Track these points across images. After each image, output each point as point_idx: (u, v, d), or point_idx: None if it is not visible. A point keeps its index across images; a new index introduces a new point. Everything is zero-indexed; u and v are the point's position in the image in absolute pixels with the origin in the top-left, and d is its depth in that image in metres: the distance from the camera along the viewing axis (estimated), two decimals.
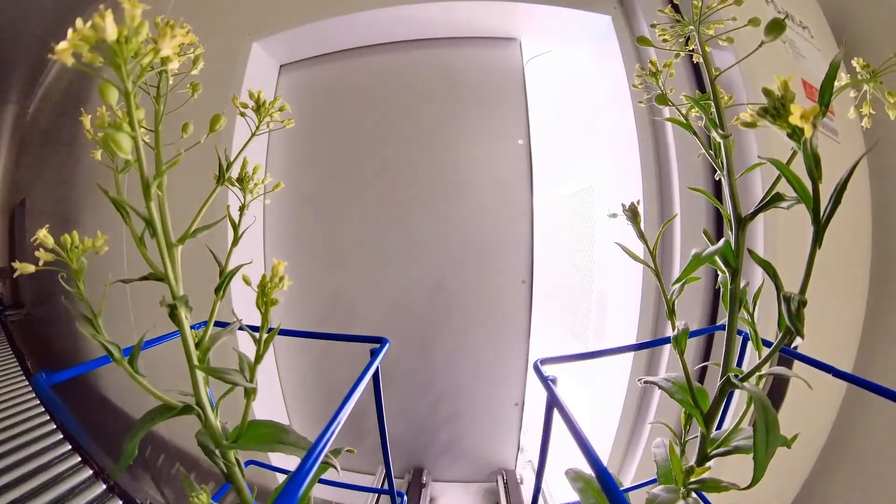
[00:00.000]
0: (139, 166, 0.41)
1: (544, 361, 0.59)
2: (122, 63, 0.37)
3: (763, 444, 0.32)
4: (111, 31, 0.35)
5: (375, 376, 0.59)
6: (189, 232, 0.50)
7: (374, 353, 0.60)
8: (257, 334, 0.48)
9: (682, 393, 0.42)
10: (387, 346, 0.62)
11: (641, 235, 0.50)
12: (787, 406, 0.84)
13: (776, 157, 0.36)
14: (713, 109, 0.40)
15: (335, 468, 0.50)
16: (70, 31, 0.33)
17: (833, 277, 0.80)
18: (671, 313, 0.46)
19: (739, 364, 0.52)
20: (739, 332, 0.50)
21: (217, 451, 0.45)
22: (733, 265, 0.40)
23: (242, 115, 0.51)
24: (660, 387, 0.44)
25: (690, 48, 0.41)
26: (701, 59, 0.40)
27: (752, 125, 0.35)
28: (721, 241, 0.40)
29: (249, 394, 0.51)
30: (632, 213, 0.52)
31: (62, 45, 0.33)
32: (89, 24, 0.34)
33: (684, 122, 0.44)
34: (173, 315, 0.46)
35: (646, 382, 0.46)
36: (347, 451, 0.51)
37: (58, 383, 0.40)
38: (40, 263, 0.32)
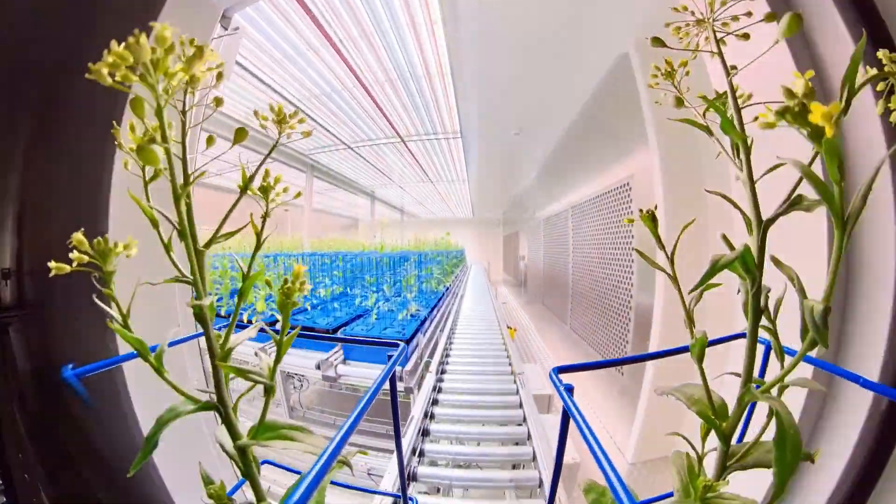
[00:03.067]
0: (171, 177, 0.44)
1: (561, 370, 0.58)
2: (155, 82, 0.40)
3: (784, 460, 0.31)
4: (147, 52, 0.37)
5: (392, 379, 0.60)
6: (215, 237, 0.53)
7: (391, 358, 0.61)
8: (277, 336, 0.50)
9: (701, 405, 0.40)
10: (404, 350, 0.62)
11: (659, 240, 0.48)
12: (810, 417, 0.78)
13: (796, 156, 0.34)
14: (730, 110, 0.38)
15: (349, 467, 0.51)
16: (107, 52, 0.36)
17: (857, 283, 0.73)
18: (689, 321, 0.44)
19: (762, 374, 0.50)
20: (761, 341, 0.47)
21: (234, 447, 0.46)
22: (754, 271, 0.38)
23: (263, 127, 0.54)
24: (678, 398, 0.42)
25: (707, 47, 0.40)
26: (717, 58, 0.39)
27: (771, 126, 0.34)
28: (741, 246, 0.39)
29: (269, 392, 0.53)
30: (650, 219, 0.50)
31: (99, 64, 0.36)
32: (124, 45, 0.37)
33: (702, 123, 0.42)
34: (199, 316, 0.48)
35: (663, 392, 0.44)
36: (360, 452, 0.52)
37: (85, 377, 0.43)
38: (73, 265, 0.34)
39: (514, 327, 6.22)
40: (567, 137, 5.08)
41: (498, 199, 12.93)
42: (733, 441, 0.38)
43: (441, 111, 5.13)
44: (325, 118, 5.64)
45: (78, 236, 0.35)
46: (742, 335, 0.40)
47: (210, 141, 0.51)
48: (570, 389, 0.53)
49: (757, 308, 0.38)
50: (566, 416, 0.52)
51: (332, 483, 0.50)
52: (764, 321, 0.37)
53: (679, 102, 0.43)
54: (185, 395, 0.46)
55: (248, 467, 0.47)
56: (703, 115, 0.42)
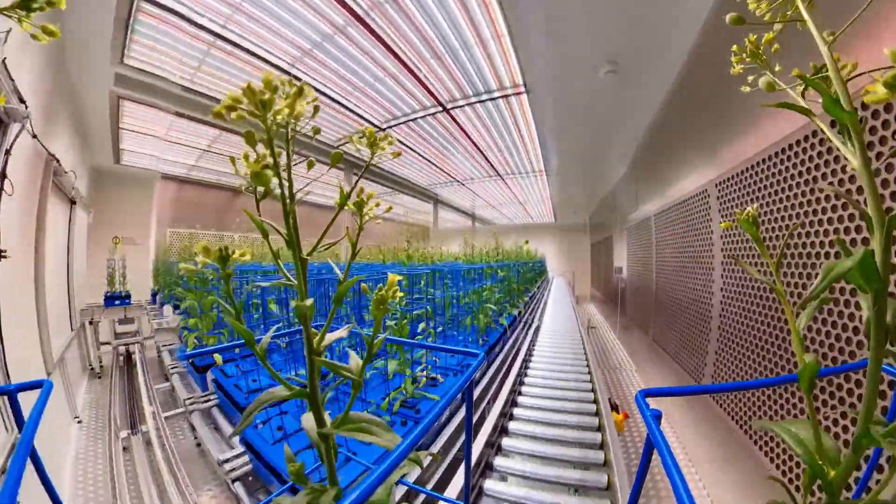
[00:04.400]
0: (282, 197, 0.53)
1: (648, 393, 0.53)
2: (265, 118, 0.50)
3: None
4: (258, 95, 0.47)
5: (468, 388, 0.61)
6: (316, 247, 0.61)
7: (468, 367, 0.62)
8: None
9: (807, 446, 0.33)
10: (481, 360, 0.63)
11: (761, 245, 0.41)
12: None
13: None
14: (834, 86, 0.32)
15: (420, 466, 0.53)
16: (228, 94, 0.46)
17: None
18: (798, 343, 0.37)
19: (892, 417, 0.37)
20: (887, 370, 0.36)
21: (318, 434, 0.52)
22: (877, 282, 0.31)
23: (357, 149, 0.61)
24: (778, 435, 0.35)
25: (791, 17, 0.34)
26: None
27: (882, 100, 0.27)
28: (860, 251, 0.31)
29: (356, 386, 0.59)
30: (750, 222, 0.43)
31: (219, 106, 0.46)
32: (241, 89, 0.47)
33: (803, 105, 0.36)
34: (301, 315, 0.57)
35: (762, 428, 0.37)
36: (430, 455, 0.54)
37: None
38: (199, 266, 0.44)
39: (623, 410, 4.00)
40: (695, 65, 2.92)
41: (583, 195, 10.82)
42: (848, 495, 0.30)
43: (488, 47, 3.00)
44: (331, 86, 4.19)
45: (202, 243, 0.44)
46: (863, 364, 0.31)
47: (311, 165, 0.60)
48: (657, 416, 0.48)
49: (881, 327, 0.30)
50: (649, 445, 0.47)
51: (400, 482, 0.52)
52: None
53: (770, 87, 0.37)
54: (283, 383, 0.54)
55: (328, 453, 0.53)
56: (802, 94, 0.35)
